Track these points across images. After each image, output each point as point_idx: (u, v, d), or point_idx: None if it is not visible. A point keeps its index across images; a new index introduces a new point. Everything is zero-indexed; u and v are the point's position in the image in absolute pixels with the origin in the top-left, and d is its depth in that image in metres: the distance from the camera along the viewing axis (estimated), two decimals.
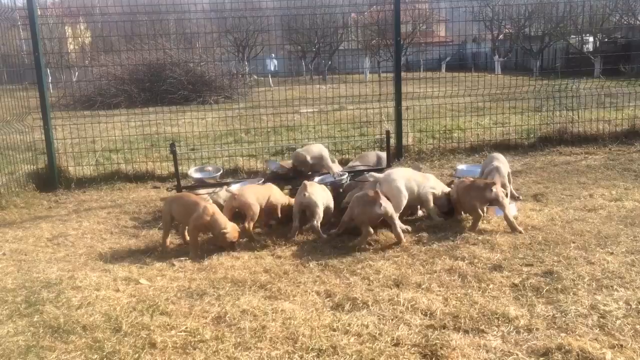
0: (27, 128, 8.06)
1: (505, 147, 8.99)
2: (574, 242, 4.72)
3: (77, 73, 18.58)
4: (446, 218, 5.54)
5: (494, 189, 5.13)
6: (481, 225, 5.19)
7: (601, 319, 3.40)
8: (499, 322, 3.43)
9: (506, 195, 5.48)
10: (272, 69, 22.64)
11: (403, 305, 3.69)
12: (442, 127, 10.31)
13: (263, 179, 6.41)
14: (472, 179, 5.55)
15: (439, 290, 3.93)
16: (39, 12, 8.46)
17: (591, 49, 26.14)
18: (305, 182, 5.36)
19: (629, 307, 3.54)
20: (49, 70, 12.37)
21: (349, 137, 10.11)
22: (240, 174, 8.06)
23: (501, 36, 32.92)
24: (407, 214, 5.76)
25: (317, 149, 6.52)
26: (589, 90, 10.80)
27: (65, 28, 16.67)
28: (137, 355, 3.20)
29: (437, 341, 3.20)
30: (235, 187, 6.09)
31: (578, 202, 5.98)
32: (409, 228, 5.28)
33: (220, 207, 5.49)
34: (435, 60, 26.17)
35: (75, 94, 17.01)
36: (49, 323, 3.60)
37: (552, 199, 6.18)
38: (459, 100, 10.14)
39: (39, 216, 6.55)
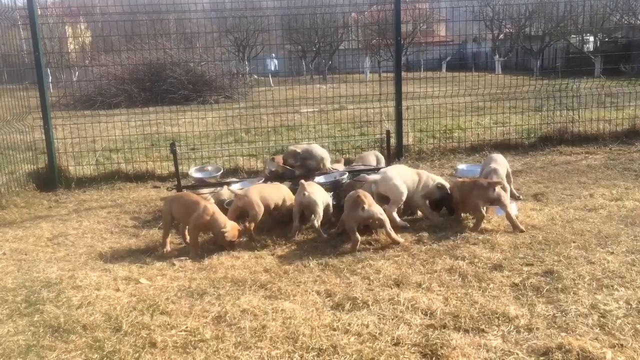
0: (27, 128, 8.07)
1: (505, 146, 8.99)
2: (574, 242, 4.71)
3: (77, 73, 18.56)
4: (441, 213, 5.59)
5: (497, 189, 5.14)
6: (482, 225, 5.18)
7: (601, 319, 3.40)
8: (500, 321, 3.43)
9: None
10: (273, 68, 22.64)
11: (403, 304, 3.69)
12: (443, 126, 10.30)
13: (263, 179, 6.41)
14: (473, 179, 5.55)
15: (439, 290, 3.93)
16: (39, 12, 8.46)
17: (592, 49, 26.12)
18: (303, 181, 5.37)
19: (629, 306, 3.54)
20: (49, 70, 12.35)
21: (349, 136, 10.11)
22: (241, 174, 8.06)
23: (501, 36, 32.92)
24: (407, 213, 5.76)
25: (310, 145, 6.57)
26: (589, 90, 10.80)
27: (66, 28, 16.66)
28: (137, 354, 3.20)
29: (438, 341, 3.20)
30: (236, 187, 6.11)
31: (578, 201, 5.98)
32: (407, 224, 5.29)
33: (221, 206, 5.50)
34: (436, 60, 26.15)
35: (75, 93, 16.98)
36: (49, 322, 3.60)
37: (552, 198, 6.17)
38: (460, 100, 10.14)
39: (39, 216, 6.55)
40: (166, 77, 19.63)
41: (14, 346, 3.34)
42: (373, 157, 7.11)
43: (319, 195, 5.33)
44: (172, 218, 5.20)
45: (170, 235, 5.26)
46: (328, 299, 3.88)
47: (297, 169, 6.45)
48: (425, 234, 5.10)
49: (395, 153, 8.31)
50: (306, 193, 5.21)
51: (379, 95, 9.84)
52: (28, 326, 3.58)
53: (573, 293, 3.76)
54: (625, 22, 26.41)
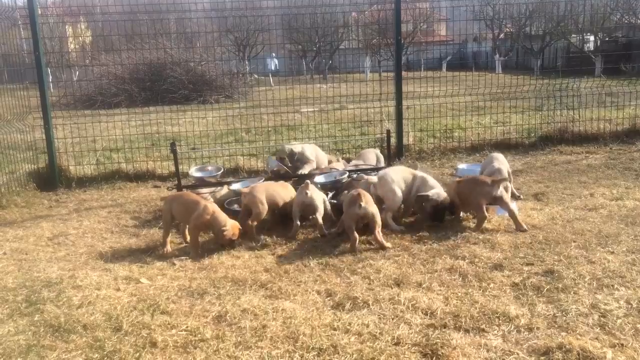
0: (27, 127, 8.07)
1: (506, 146, 8.98)
2: (574, 241, 4.71)
3: (77, 72, 18.55)
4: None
5: (500, 187, 5.12)
6: (483, 223, 5.18)
7: (602, 318, 3.40)
8: (500, 321, 3.43)
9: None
10: (273, 68, 22.64)
11: (404, 304, 3.69)
12: (443, 126, 10.30)
13: (264, 178, 6.41)
14: (472, 177, 5.54)
15: (440, 290, 3.93)
16: (40, 12, 8.45)
17: (592, 48, 26.12)
18: (308, 181, 5.45)
19: (629, 306, 3.54)
20: (49, 70, 12.35)
21: (349, 136, 10.11)
22: (241, 173, 8.06)
23: (502, 35, 32.93)
24: (409, 213, 5.75)
25: (304, 145, 6.64)
26: (589, 89, 10.80)
27: (66, 27, 16.66)
28: (137, 354, 3.20)
29: (438, 340, 3.20)
30: (236, 186, 6.13)
31: (579, 201, 5.98)
32: (402, 228, 5.30)
33: (221, 206, 5.51)
34: (436, 60, 26.15)
35: (75, 93, 17.00)
36: (49, 322, 3.60)
37: (552, 198, 6.17)
38: (460, 99, 10.13)
39: (40, 215, 6.55)
40: (166, 76, 19.63)
41: (15, 346, 3.35)
42: (373, 155, 7.12)
43: (320, 195, 5.43)
44: (172, 218, 5.21)
45: (170, 235, 5.27)
46: (328, 298, 3.88)
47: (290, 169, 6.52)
48: (426, 234, 5.10)
49: (395, 153, 8.31)
50: (308, 193, 5.27)
51: (379, 94, 9.84)
52: (28, 326, 3.59)
53: (573, 293, 3.76)
54: (626, 21, 26.41)
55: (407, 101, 9.10)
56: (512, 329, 3.33)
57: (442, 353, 3.08)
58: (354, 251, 4.74)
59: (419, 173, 5.59)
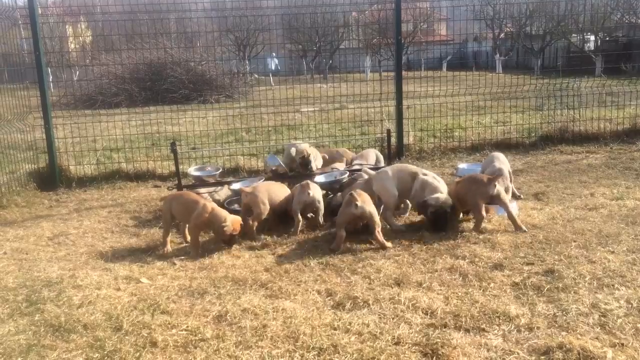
0: (28, 127, 8.07)
1: (506, 146, 8.98)
2: (575, 241, 4.71)
3: (77, 72, 18.56)
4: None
5: (497, 185, 5.10)
6: (482, 224, 5.18)
7: (602, 318, 3.40)
8: (500, 320, 3.43)
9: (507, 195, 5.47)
10: (273, 68, 22.62)
11: (404, 304, 3.69)
12: (443, 126, 10.30)
13: (264, 178, 6.42)
14: (470, 175, 5.52)
15: (440, 289, 3.93)
16: (40, 11, 8.46)
17: (592, 48, 26.10)
18: (308, 181, 5.54)
19: (630, 305, 3.54)
20: (49, 69, 12.35)
21: (349, 136, 10.11)
22: (241, 173, 8.06)
23: (502, 35, 32.92)
24: (405, 213, 5.74)
25: (304, 145, 6.72)
26: (590, 89, 10.79)
27: (66, 27, 16.66)
28: (138, 354, 3.20)
29: (438, 340, 3.20)
30: (236, 186, 6.15)
31: (579, 200, 5.98)
32: (403, 227, 5.30)
33: (221, 205, 5.51)
34: (436, 59, 26.14)
35: (76, 93, 17.02)
36: (50, 322, 3.60)
37: (553, 197, 6.17)
38: (460, 99, 10.13)
39: (40, 215, 6.55)
40: (167, 76, 19.63)
41: (15, 345, 3.35)
42: (373, 155, 7.11)
43: (319, 193, 5.54)
44: (172, 217, 5.21)
45: (170, 234, 5.27)
46: (329, 298, 3.88)
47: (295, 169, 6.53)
48: (426, 233, 5.09)
49: (395, 152, 8.30)
50: (310, 192, 5.37)
51: (379, 94, 9.83)
52: (29, 325, 3.59)
53: (574, 292, 3.76)
54: (626, 21, 26.40)
55: (407, 101, 9.10)
56: (512, 328, 3.33)
57: (442, 353, 3.08)
58: (338, 249, 4.76)
59: (422, 175, 5.38)
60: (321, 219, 5.47)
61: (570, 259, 4.34)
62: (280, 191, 5.64)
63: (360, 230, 5.04)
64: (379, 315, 3.58)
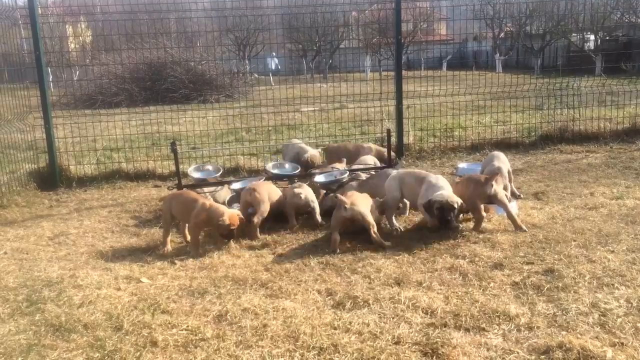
0: (28, 127, 8.07)
1: (506, 145, 8.98)
2: (574, 241, 4.71)
3: (78, 72, 18.56)
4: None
5: (494, 185, 5.09)
6: (482, 223, 5.18)
7: (602, 317, 3.40)
8: (500, 320, 3.43)
9: (506, 195, 5.46)
10: (273, 67, 22.62)
11: (404, 303, 3.69)
12: (443, 125, 10.30)
13: (264, 177, 6.43)
14: (467, 176, 5.52)
15: (440, 289, 3.93)
16: (40, 11, 8.46)
17: (592, 47, 26.10)
18: (301, 183, 5.71)
19: (629, 305, 3.54)
20: (49, 69, 12.36)
21: (349, 135, 10.11)
22: (241, 173, 8.06)
23: (502, 34, 32.90)
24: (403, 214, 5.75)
25: (316, 152, 7.08)
26: (590, 88, 10.80)
27: (66, 27, 16.66)
28: (138, 353, 3.20)
29: (438, 339, 3.20)
30: (236, 185, 6.16)
31: (579, 200, 5.98)
32: (400, 229, 5.29)
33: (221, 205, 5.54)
34: (436, 59, 26.15)
35: (76, 92, 16.99)
36: (50, 322, 3.61)
37: (553, 197, 6.17)
38: (460, 98, 10.13)
39: (40, 215, 6.56)
40: (167, 76, 19.63)
41: (16, 345, 3.35)
42: (371, 159, 7.11)
43: (312, 194, 5.64)
44: (172, 217, 5.22)
45: (170, 234, 5.27)
46: (329, 297, 3.89)
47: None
48: (427, 233, 5.09)
49: (395, 152, 8.30)
50: (302, 195, 5.50)
51: (379, 94, 9.83)
52: (29, 325, 3.59)
53: (573, 292, 3.76)
54: (626, 20, 26.38)
55: (407, 100, 9.10)
56: (512, 328, 3.34)
57: (442, 352, 3.09)
58: (333, 251, 4.76)
59: (428, 179, 5.24)
60: (319, 218, 5.54)
61: (570, 258, 4.34)
62: (275, 192, 5.71)
63: (360, 230, 5.05)
64: (379, 314, 3.58)
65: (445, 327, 3.38)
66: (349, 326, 3.41)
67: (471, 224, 5.25)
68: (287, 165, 7.02)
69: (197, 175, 6.80)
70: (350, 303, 3.76)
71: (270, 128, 10.88)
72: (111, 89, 18.93)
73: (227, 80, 20.68)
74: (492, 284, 3.95)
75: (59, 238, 5.60)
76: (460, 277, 4.11)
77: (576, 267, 4.14)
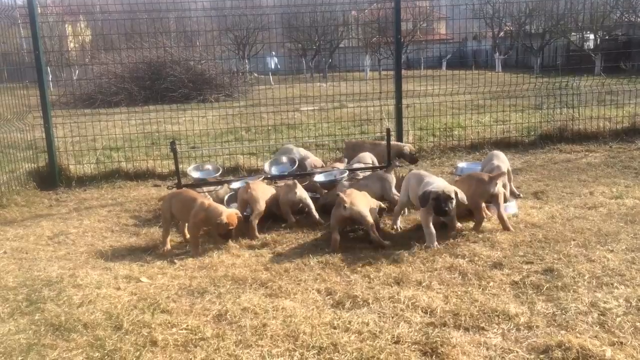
0: (27, 126, 8.07)
1: (505, 144, 8.99)
2: (574, 240, 4.72)
3: (77, 71, 18.54)
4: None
5: (498, 184, 5.08)
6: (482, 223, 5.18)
7: (601, 317, 3.41)
8: (499, 319, 3.44)
9: (506, 194, 5.46)
10: (273, 67, 22.61)
11: (403, 303, 3.69)
12: (443, 125, 10.30)
13: (264, 177, 6.43)
14: (469, 174, 5.51)
15: (440, 288, 3.93)
16: (39, 11, 8.46)
17: (592, 47, 26.09)
18: (296, 181, 5.71)
19: (629, 304, 3.55)
20: (49, 69, 12.36)
21: (349, 135, 10.11)
22: (241, 172, 8.07)
23: (502, 34, 32.89)
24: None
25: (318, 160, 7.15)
26: (589, 87, 10.81)
27: (66, 26, 16.64)
28: (138, 353, 3.21)
29: (438, 339, 3.21)
30: (236, 185, 6.17)
31: (578, 199, 5.98)
32: (399, 228, 5.32)
33: (222, 204, 5.55)
34: (436, 58, 26.16)
35: (75, 92, 16.96)
36: (50, 321, 3.61)
37: (552, 196, 6.18)
38: (460, 98, 10.13)
39: (40, 214, 6.56)
40: (166, 75, 19.62)
41: (15, 345, 3.35)
42: (369, 156, 7.10)
43: (305, 192, 5.71)
44: (171, 216, 5.22)
45: (170, 233, 5.27)
46: (328, 297, 3.89)
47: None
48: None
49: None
50: (297, 192, 5.56)
51: (379, 93, 9.84)
52: (29, 325, 3.59)
53: (573, 291, 3.76)
54: (626, 19, 26.37)
55: (406, 100, 9.09)
56: (511, 327, 3.34)
57: (441, 351, 3.09)
58: (333, 251, 4.76)
59: (427, 177, 5.19)
60: (316, 215, 5.58)
61: (569, 257, 4.34)
62: (269, 191, 5.74)
63: (361, 229, 5.05)
64: (378, 314, 3.58)
65: (444, 326, 3.39)
66: (348, 325, 3.42)
67: (471, 224, 5.25)
68: (284, 159, 7.04)
69: (196, 175, 6.79)
70: (350, 302, 3.76)
71: (269, 127, 10.87)
72: (111, 88, 18.92)
73: (227, 79, 20.68)
74: (491, 284, 3.96)
75: (58, 237, 5.60)
76: (460, 277, 4.12)
77: (575, 267, 4.15)
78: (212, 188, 6.48)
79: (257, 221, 5.30)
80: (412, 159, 7.45)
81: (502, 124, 9.93)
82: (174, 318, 3.61)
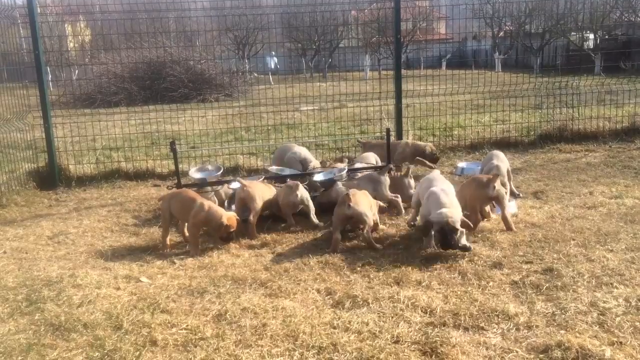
0: (27, 126, 8.07)
1: (505, 144, 8.99)
2: (573, 240, 4.72)
3: (77, 71, 18.55)
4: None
5: (496, 186, 5.08)
6: (481, 223, 5.18)
7: (601, 316, 3.41)
8: (499, 319, 3.44)
9: (505, 194, 5.46)
10: (272, 66, 22.60)
11: (403, 302, 3.70)
12: (443, 124, 10.30)
13: (264, 177, 6.43)
14: (469, 177, 5.51)
15: (439, 288, 3.94)
16: (39, 10, 8.46)
17: (591, 46, 26.08)
18: (298, 182, 5.69)
19: (628, 304, 3.55)
20: (49, 69, 12.36)
21: (349, 134, 10.11)
22: (241, 172, 8.07)
23: (501, 33, 32.87)
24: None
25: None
26: (589, 87, 10.79)
27: (65, 26, 16.65)
28: (138, 353, 3.21)
29: (437, 338, 3.21)
30: (236, 185, 6.16)
31: (578, 199, 5.99)
32: (414, 224, 5.31)
33: (222, 204, 5.55)
34: (436, 58, 26.13)
35: (75, 92, 16.97)
36: (50, 321, 3.61)
37: (552, 196, 6.18)
38: (459, 97, 10.14)
39: (40, 214, 6.56)
40: (166, 75, 19.60)
41: (15, 345, 3.35)
42: (372, 156, 7.11)
43: (306, 193, 5.69)
44: (171, 216, 5.22)
45: (170, 233, 5.27)
46: (328, 297, 3.89)
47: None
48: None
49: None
50: (298, 194, 5.52)
51: (378, 93, 9.83)
52: (29, 325, 3.59)
53: (572, 291, 3.77)
54: (626, 19, 26.36)
55: (406, 99, 9.10)
56: (511, 327, 3.34)
57: (441, 351, 3.09)
58: (334, 251, 4.76)
59: (433, 187, 4.91)
60: (314, 218, 5.57)
61: (569, 257, 4.35)
62: (268, 191, 5.72)
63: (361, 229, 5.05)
64: (378, 314, 3.58)
65: (444, 326, 3.39)
66: (348, 325, 3.42)
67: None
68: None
69: (198, 176, 6.78)
70: (350, 302, 3.76)
71: (269, 127, 10.87)
72: (110, 88, 18.90)
73: (227, 79, 20.66)
74: (491, 283, 3.96)
75: (58, 237, 5.60)
76: (459, 277, 4.12)
77: (575, 266, 4.15)
78: (216, 187, 6.48)
79: (255, 220, 5.30)
80: (433, 158, 7.47)
81: (501, 123, 9.93)
82: (174, 318, 3.61)
